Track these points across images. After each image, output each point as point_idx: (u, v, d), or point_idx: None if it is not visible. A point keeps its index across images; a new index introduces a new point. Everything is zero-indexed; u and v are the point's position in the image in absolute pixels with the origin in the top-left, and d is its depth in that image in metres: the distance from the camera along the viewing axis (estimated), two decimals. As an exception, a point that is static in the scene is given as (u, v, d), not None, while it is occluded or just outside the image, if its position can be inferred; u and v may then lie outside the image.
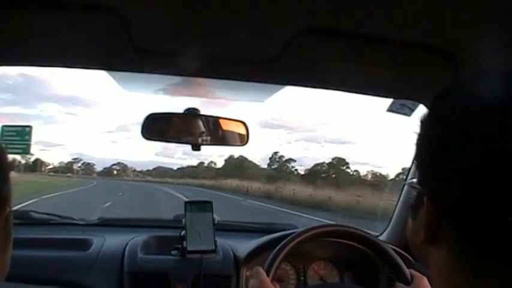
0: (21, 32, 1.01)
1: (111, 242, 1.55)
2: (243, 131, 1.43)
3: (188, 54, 1.07)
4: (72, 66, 1.21)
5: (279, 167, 62.81)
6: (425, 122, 0.55)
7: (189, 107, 1.38)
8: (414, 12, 0.87)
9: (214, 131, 1.41)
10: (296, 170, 63.51)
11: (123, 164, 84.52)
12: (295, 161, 65.26)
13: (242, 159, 66.55)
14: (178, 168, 79.19)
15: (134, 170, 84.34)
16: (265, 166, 66.86)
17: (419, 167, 0.56)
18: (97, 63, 1.19)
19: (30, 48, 1.10)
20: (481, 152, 0.47)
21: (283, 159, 64.50)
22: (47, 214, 1.80)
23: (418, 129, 0.56)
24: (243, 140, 1.43)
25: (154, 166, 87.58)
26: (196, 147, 1.37)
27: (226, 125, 1.42)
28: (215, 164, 76.51)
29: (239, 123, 1.43)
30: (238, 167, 62.28)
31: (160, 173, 77.65)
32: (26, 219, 1.71)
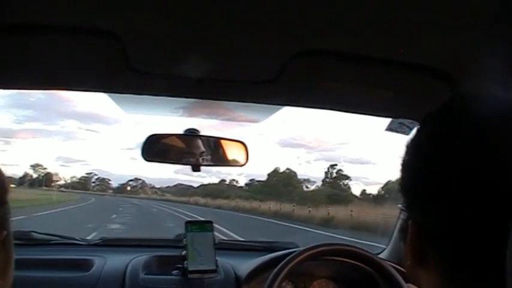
0: (20, 55, 1.02)
1: (112, 262, 1.55)
2: (242, 151, 1.44)
3: (186, 76, 1.08)
4: (71, 89, 1.22)
5: (335, 185, 50.18)
6: (408, 149, 0.56)
7: (188, 128, 1.39)
8: (410, 33, 0.89)
9: (215, 152, 1.42)
10: (348, 187, 50.92)
11: (140, 180, 79.59)
12: (351, 179, 52.74)
13: (290, 174, 53.67)
14: (200, 186, 72.05)
15: (153, 187, 79.68)
16: (309, 185, 54.32)
17: (403, 192, 0.56)
18: (95, 85, 1.20)
19: (29, 72, 1.11)
20: (460, 180, 0.48)
21: (341, 173, 51.83)
22: (48, 234, 1.80)
23: (403, 154, 0.56)
24: (243, 160, 1.44)
25: (174, 183, 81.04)
26: (196, 168, 1.38)
27: (226, 146, 1.43)
28: (237, 182, 68.92)
29: (239, 143, 1.44)
30: (286, 184, 50.67)
31: (181, 190, 71.68)
32: (26, 239, 1.71)
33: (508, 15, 0.79)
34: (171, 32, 0.93)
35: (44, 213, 18.61)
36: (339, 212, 22.31)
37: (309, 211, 24.47)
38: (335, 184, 50.43)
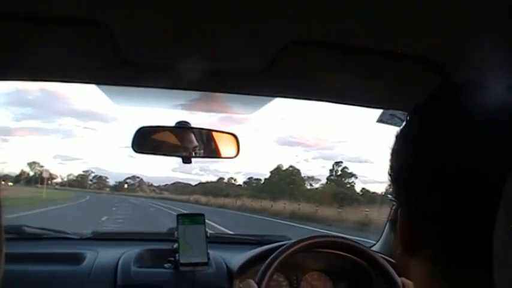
0: (9, 46, 1.01)
1: (104, 255, 1.55)
2: (234, 143, 1.43)
3: (178, 68, 1.08)
4: (65, 81, 1.21)
5: (340, 183, 47.92)
6: (397, 138, 0.56)
7: (180, 120, 1.38)
8: (402, 24, 0.88)
9: (206, 144, 1.41)
10: (353, 186, 48.62)
11: (138, 178, 78.84)
12: (356, 176, 50.09)
13: (294, 172, 52.34)
14: (199, 184, 71.14)
15: (151, 185, 78.60)
16: (316, 184, 51.94)
17: (391, 181, 0.56)
18: (89, 78, 1.19)
19: (19, 63, 1.10)
20: (448, 169, 0.48)
21: (346, 170, 49.40)
22: (40, 228, 1.79)
23: (392, 143, 0.56)
24: (234, 152, 1.43)
25: (172, 181, 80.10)
26: (187, 160, 1.38)
27: (217, 138, 1.42)
28: (235, 180, 68.05)
29: (230, 135, 1.44)
30: (288, 182, 49.21)
31: (179, 188, 69.61)
32: (18, 233, 1.70)
33: (500, 5, 0.79)
34: (162, 23, 0.92)
35: (20, 214, 14.30)
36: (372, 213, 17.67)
37: (338, 211, 21.12)
38: (340, 182, 48.56)
